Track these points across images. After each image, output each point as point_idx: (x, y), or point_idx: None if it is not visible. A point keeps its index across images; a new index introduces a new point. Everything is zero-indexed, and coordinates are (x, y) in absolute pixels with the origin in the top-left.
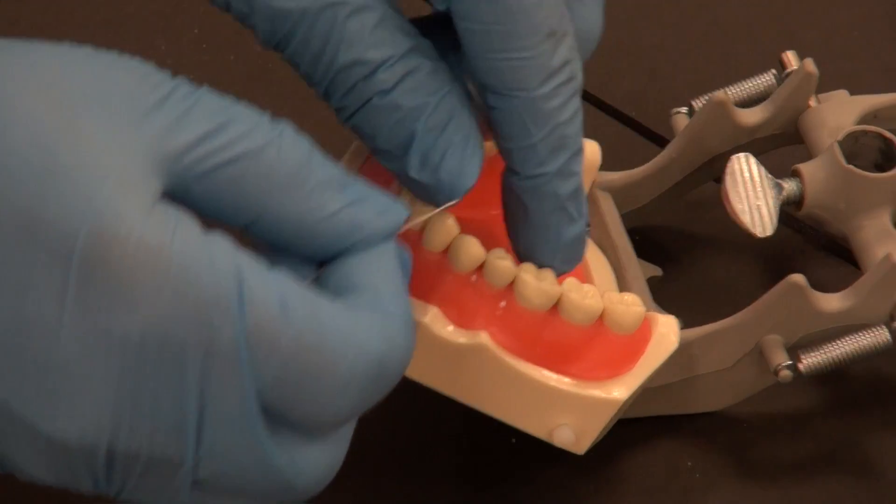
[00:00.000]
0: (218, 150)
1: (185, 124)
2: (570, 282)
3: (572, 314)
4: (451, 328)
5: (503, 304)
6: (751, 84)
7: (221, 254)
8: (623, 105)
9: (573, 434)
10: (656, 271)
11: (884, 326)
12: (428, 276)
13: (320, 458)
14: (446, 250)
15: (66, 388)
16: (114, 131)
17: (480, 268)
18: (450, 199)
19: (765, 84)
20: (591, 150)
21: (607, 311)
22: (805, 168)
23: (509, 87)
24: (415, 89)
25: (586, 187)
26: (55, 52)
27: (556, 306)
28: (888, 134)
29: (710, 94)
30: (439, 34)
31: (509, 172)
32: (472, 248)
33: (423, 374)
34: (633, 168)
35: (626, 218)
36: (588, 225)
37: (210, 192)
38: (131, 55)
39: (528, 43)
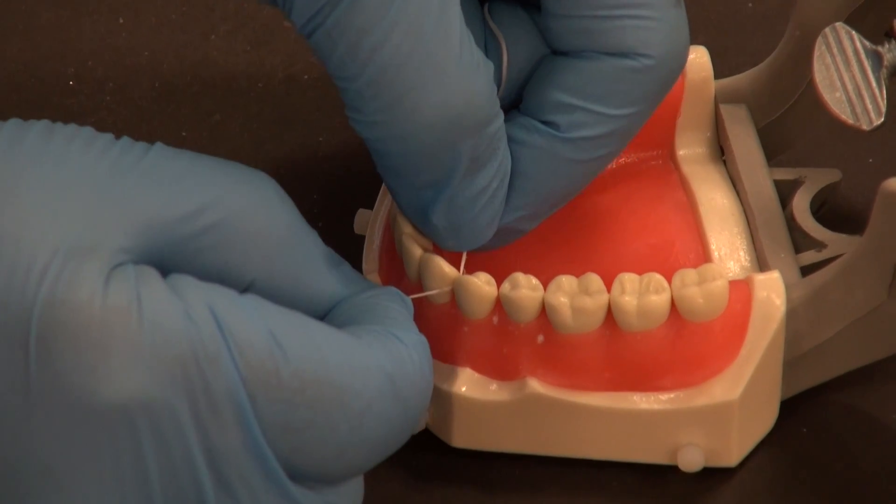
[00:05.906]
0: (190, 217)
1: (153, 190)
2: (622, 279)
3: (629, 322)
4: (493, 386)
5: (540, 338)
6: None
7: (193, 298)
8: None
9: (701, 453)
10: (834, 175)
11: None
12: (444, 332)
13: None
14: (453, 299)
15: (47, 488)
16: (61, 199)
17: (499, 305)
18: (458, 249)
19: None
20: (699, 57)
21: (678, 299)
22: None
23: (619, 50)
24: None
25: (700, 103)
26: None
27: (608, 318)
28: None
29: None
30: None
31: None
32: (480, 290)
33: (495, 440)
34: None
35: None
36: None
37: (195, 257)
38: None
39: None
